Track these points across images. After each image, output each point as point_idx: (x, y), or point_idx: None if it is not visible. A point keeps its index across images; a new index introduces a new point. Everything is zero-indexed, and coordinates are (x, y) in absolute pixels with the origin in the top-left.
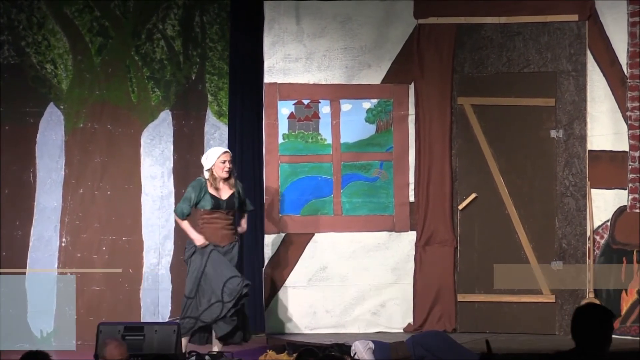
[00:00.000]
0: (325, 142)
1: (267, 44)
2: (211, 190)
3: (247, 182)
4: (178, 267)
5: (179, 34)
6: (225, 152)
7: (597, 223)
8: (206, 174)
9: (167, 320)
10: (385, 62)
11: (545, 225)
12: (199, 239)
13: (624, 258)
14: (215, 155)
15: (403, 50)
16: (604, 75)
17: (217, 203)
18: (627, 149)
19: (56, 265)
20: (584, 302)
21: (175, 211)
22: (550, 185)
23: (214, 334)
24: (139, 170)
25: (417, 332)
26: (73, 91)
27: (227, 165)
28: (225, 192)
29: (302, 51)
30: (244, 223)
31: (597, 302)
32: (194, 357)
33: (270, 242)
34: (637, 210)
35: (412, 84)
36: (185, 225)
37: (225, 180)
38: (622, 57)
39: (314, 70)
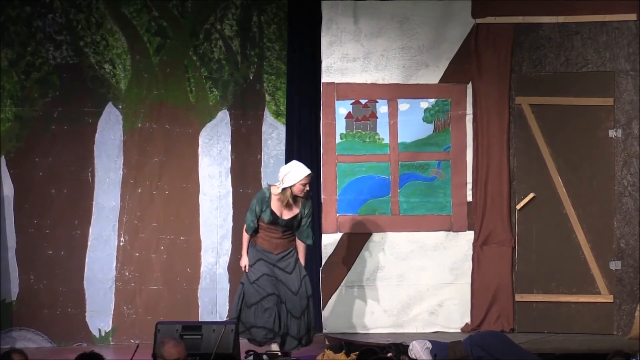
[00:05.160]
0: (383, 142)
1: (325, 44)
2: (274, 207)
3: None
4: (236, 266)
5: (237, 34)
6: (309, 174)
7: None
8: (275, 189)
9: (224, 319)
10: (443, 62)
11: (603, 225)
12: (243, 260)
13: None
14: (299, 177)
15: (461, 50)
16: None
17: (275, 220)
18: None
19: (114, 265)
20: None
21: (245, 221)
22: (608, 185)
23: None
24: (197, 170)
25: (474, 332)
26: (131, 91)
27: (307, 187)
28: (288, 212)
29: (359, 51)
30: (301, 254)
31: None
32: (251, 357)
33: (328, 241)
34: None
35: (470, 83)
36: (245, 240)
37: (297, 199)
38: None
39: (372, 69)
